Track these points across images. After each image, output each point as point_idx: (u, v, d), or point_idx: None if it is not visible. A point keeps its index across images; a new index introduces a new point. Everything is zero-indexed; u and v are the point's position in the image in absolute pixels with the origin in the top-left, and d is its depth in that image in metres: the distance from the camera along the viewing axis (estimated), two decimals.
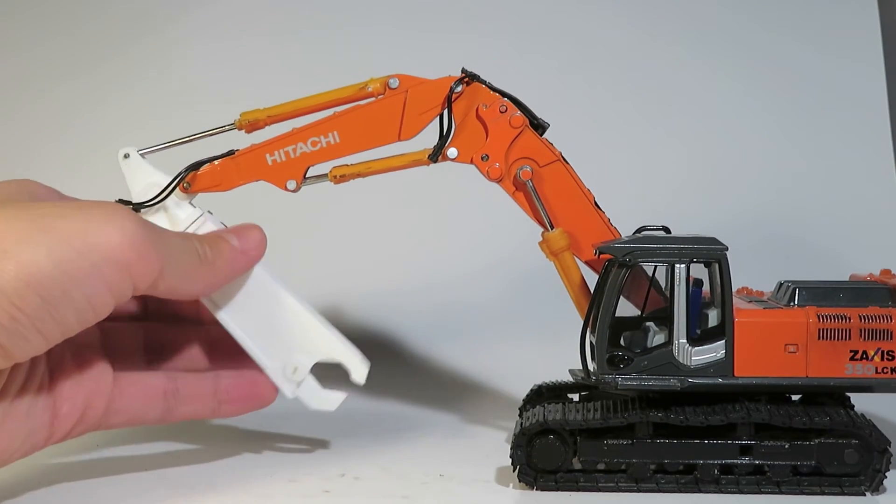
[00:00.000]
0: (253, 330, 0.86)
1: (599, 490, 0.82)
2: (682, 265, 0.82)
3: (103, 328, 0.84)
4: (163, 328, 0.91)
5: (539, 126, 0.88)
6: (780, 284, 0.88)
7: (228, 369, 0.89)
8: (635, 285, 0.86)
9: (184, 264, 0.78)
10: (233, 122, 0.89)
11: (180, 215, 0.86)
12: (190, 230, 0.85)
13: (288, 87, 0.92)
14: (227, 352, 0.89)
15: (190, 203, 0.87)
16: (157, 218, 0.86)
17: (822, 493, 0.81)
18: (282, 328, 0.86)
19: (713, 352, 0.82)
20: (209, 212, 0.87)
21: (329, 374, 0.88)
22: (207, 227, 0.85)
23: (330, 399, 0.88)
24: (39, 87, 1.33)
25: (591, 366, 0.85)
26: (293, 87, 0.91)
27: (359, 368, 0.87)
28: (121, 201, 0.85)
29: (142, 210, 0.85)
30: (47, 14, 1.37)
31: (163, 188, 0.85)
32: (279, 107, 0.89)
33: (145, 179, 0.86)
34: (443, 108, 0.87)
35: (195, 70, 1.34)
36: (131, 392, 0.84)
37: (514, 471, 0.83)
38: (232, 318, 0.86)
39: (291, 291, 0.87)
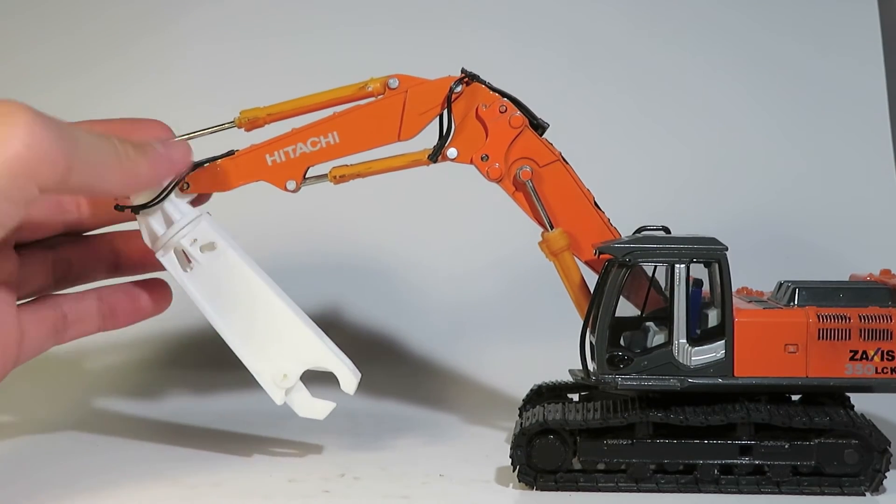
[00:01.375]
0: (243, 334, 0.86)
1: (599, 490, 0.82)
2: (682, 265, 0.82)
3: (21, 255, 0.84)
4: (72, 241, 0.90)
5: (539, 126, 0.88)
6: (780, 284, 0.88)
7: (113, 286, 0.89)
8: (635, 285, 0.86)
9: (98, 158, 0.75)
10: (232, 119, 0.89)
11: (175, 215, 0.85)
12: (185, 231, 0.85)
13: (288, 87, 0.91)
14: (130, 260, 0.89)
15: (187, 203, 0.87)
16: (153, 217, 0.85)
17: (822, 494, 0.81)
18: (273, 334, 0.86)
19: (713, 352, 0.82)
20: (207, 213, 0.87)
21: (324, 379, 0.88)
22: (203, 228, 0.85)
23: (319, 408, 0.88)
24: (39, 87, 1.33)
25: (591, 366, 0.85)
26: (293, 87, 0.91)
27: (349, 379, 0.87)
28: None
29: (141, 211, 0.85)
30: (47, 14, 1.36)
31: (162, 187, 0.85)
32: (279, 105, 0.89)
33: None
34: (442, 109, 0.87)
35: (195, 70, 1.34)
36: (34, 330, 0.84)
37: (513, 471, 0.83)
38: (222, 322, 0.86)
39: (284, 297, 0.87)
